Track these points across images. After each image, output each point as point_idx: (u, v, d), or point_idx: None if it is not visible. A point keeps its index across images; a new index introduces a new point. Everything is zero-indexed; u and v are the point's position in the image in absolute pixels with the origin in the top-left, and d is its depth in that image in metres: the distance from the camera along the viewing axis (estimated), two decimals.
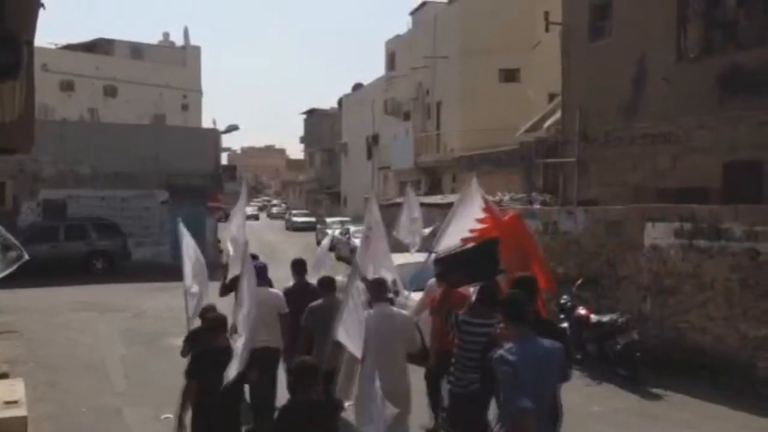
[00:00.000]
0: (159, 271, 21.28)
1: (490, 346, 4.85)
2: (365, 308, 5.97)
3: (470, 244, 6.98)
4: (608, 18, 16.84)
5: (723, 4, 14.10)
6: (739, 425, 8.34)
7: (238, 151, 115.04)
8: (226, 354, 5.65)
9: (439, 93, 32.96)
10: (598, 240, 11.99)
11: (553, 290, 7.70)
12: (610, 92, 16.37)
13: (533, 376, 4.22)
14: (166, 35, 62.22)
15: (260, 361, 6.44)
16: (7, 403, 8.06)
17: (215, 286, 8.53)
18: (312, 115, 67.79)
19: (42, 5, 7.04)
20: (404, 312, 7.08)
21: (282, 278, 9.65)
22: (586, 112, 17.21)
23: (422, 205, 13.57)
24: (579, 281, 11.76)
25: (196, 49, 60.14)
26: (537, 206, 16.34)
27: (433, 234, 8.91)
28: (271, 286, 8.22)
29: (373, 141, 44.40)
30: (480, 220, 7.08)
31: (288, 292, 8.15)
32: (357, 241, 20.66)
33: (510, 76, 29.81)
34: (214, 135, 31.89)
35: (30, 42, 6.55)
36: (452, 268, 6.74)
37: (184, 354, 7.06)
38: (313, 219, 48.87)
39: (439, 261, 7.20)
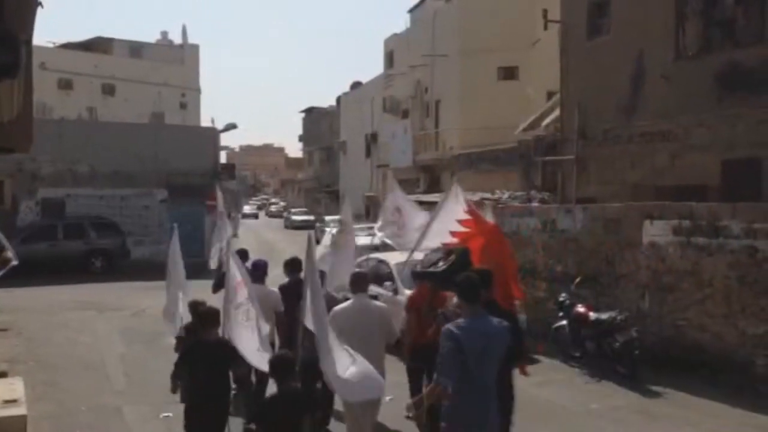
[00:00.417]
0: (158, 269, 20.99)
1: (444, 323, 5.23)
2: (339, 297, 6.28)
3: (442, 265, 7.01)
4: (607, 16, 16.86)
5: (721, 2, 14.11)
6: (738, 422, 8.35)
7: (237, 150, 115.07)
8: (218, 347, 5.81)
9: (437, 91, 32.96)
10: (597, 238, 12.00)
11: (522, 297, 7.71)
12: (608, 90, 16.38)
13: (479, 349, 4.73)
14: (164, 34, 62.31)
15: None
16: (7, 402, 8.06)
17: (205, 285, 8.57)
18: (311, 113, 67.80)
19: (40, 4, 7.03)
20: (382, 304, 7.21)
21: (281, 276, 9.64)
22: (584, 110, 17.23)
23: (421, 203, 13.55)
24: (578, 279, 11.77)
25: (195, 48, 60.13)
26: (536, 204, 16.34)
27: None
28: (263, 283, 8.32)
29: (372, 139, 44.40)
30: (462, 222, 7.13)
31: (283, 290, 8.22)
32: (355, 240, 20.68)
33: (509, 74, 29.81)
34: (212, 133, 31.91)
35: (28, 41, 6.54)
36: (430, 281, 6.91)
37: (177, 350, 7.15)
38: (311, 217, 48.90)
39: (416, 275, 7.33)
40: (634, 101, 15.76)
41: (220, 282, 8.23)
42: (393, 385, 7.11)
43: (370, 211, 37.41)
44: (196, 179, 26.92)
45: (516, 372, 6.52)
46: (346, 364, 5.26)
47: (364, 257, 13.34)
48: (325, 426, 7.55)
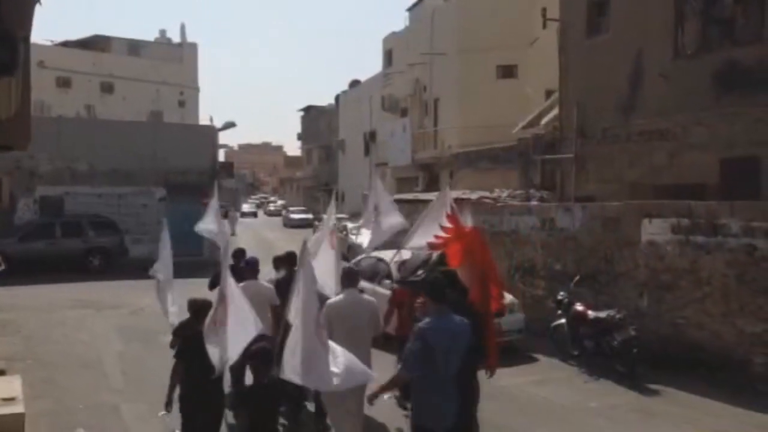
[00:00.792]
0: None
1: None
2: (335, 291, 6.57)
3: (421, 273, 7.35)
4: (606, 14, 16.85)
5: (720, 1, 14.10)
6: (736, 421, 8.36)
7: (236, 148, 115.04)
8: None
9: (436, 89, 32.93)
10: (596, 236, 12.00)
11: (502, 308, 7.95)
12: (607, 89, 16.38)
13: (445, 345, 5.10)
14: (162, 32, 62.21)
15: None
16: (5, 400, 8.05)
17: (202, 283, 8.62)
18: (309, 111, 67.74)
19: (38, 2, 7.02)
20: (371, 299, 7.41)
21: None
22: (583, 108, 17.23)
23: (420, 201, 13.54)
24: (576, 278, 11.79)
25: (193, 46, 60.09)
26: (534, 203, 16.34)
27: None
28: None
29: (371, 138, 44.37)
30: (443, 228, 7.30)
31: (278, 284, 8.43)
32: (354, 238, 20.71)
33: (507, 72, 29.77)
34: (211, 132, 31.84)
35: (26, 39, 6.52)
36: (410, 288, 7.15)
37: (173, 345, 7.20)
38: (310, 216, 48.86)
39: (399, 283, 7.64)
40: (633, 100, 15.76)
41: (216, 280, 8.37)
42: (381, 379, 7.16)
43: None
44: (194, 177, 26.88)
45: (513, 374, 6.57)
46: (333, 357, 5.43)
47: (362, 255, 13.36)
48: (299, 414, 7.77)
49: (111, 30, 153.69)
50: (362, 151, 46.11)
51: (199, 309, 6.35)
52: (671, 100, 14.67)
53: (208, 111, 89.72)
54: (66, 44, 54.09)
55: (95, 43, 54.76)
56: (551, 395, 9.55)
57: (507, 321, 11.70)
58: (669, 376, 9.98)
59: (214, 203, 11.95)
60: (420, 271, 7.34)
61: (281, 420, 7.29)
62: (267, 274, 9.35)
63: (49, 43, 50.79)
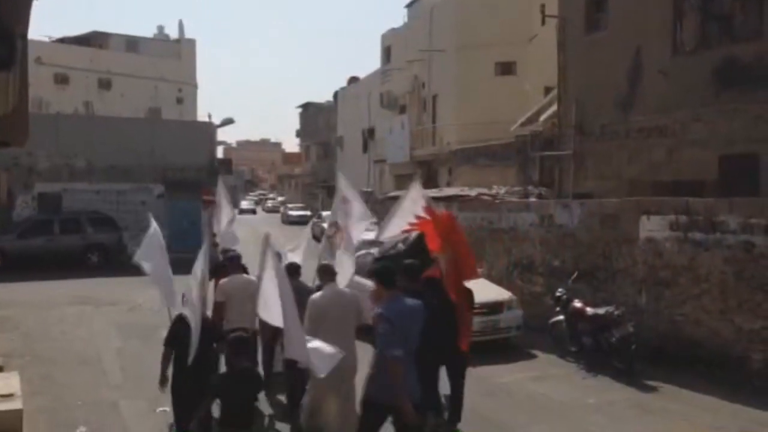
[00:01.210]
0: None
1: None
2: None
3: (401, 245, 7.89)
4: (604, 11, 16.84)
5: None
6: (734, 417, 8.37)
7: (234, 145, 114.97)
8: (203, 323, 6.33)
9: (435, 86, 32.91)
10: (594, 233, 12.01)
11: (476, 276, 8.40)
12: (606, 85, 16.38)
13: (404, 326, 5.43)
14: (160, 28, 62.06)
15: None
16: (3, 396, 8.04)
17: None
18: (307, 108, 67.68)
19: None
20: (354, 291, 7.57)
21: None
22: (582, 105, 17.23)
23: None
24: (575, 274, 11.79)
25: (191, 43, 59.96)
26: (533, 199, 16.35)
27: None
28: (246, 272, 9.02)
29: (369, 134, 44.35)
30: (419, 217, 7.74)
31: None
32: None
33: (506, 69, 29.76)
34: (209, 128, 31.81)
35: (24, 35, 6.50)
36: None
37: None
38: (308, 212, 48.82)
39: (377, 261, 7.81)
40: (632, 96, 15.76)
41: (215, 269, 8.69)
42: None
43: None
44: (192, 174, 26.86)
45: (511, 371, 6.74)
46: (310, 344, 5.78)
47: (363, 252, 13.35)
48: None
49: (109, 26, 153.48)
50: (361, 148, 46.09)
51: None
52: (670, 97, 14.67)
53: (207, 108, 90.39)
54: (64, 40, 53.96)
55: (93, 40, 54.63)
56: (549, 391, 9.55)
57: (505, 317, 11.73)
58: (667, 372, 9.99)
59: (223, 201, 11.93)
60: (400, 245, 7.70)
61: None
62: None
63: (46, 40, 50.66)
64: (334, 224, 9.00)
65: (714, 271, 9.92)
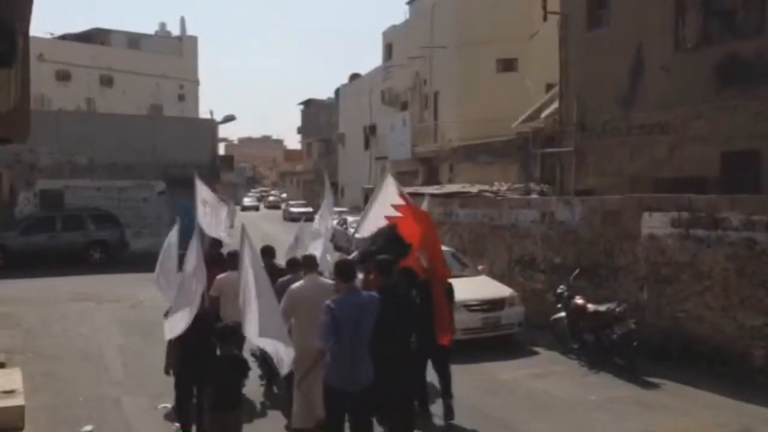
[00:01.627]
0: (156, 261, 21.21)
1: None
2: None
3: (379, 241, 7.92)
4: (606, 7, 16.81)
5: None
6: (736, 414, 8.36)
7: (235, 142, 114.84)
8: (200, 316, 6.66)
9: (436, 83, 32.89)
10: (596, 230, 12.00)
11: (447, 275, 8.48)
12: (607, 82, 16.35)
13: (353, 318, 5.81)
14: (162, 25, 62.02)
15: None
16: (5, 392, 8.06)
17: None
18: (309, 105, 67.72)
19: None
20: (331, 281, 7.73)
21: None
22: (583, 102, 17.20)
23: (420, 195, 13.59)
24: (576, 271, 11.77)
25: (193, 39, 59.92)
26: (534, 196, 16.34)
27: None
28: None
29: (371, 131, 44.33)
30: (396, 207, 7.94)
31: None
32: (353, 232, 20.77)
33: (508, 66, 29.74)
34: (211, 125, 31.84)
35: (26, 32, 6.51)
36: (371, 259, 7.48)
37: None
38: (310, 209, 48.81)
39: (360, 259, 7.85)
40: (633, 93, 15.73)
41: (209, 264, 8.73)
42: None
43: None
44: (194, 171, 26.86)
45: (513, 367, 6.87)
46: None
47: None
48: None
49: (111, 23, 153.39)
50: (362, 145, 46.08)
51: None
52: (671, 94, 14.65)
53: (208, 105, 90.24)
54: (65, 37, 53.92)
55: (95, 37, 54.59)
56: (551, 388, 9.55)
57: (507, 314, 11.73)
58: (669, 369, 9.99)
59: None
60: (374, 243, 7.85)
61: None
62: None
63: (48, 37, 50.66)
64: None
65: (716, 267, 9.91)
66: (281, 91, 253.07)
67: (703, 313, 10.09)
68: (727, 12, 14.00)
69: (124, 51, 54.55)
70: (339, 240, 26.89)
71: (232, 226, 42.68)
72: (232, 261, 8.85)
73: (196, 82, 59.70)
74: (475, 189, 17.95)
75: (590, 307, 10.83)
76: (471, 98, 28.97)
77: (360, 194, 43.29)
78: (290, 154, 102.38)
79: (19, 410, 7.72)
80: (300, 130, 73.28)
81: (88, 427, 7.84)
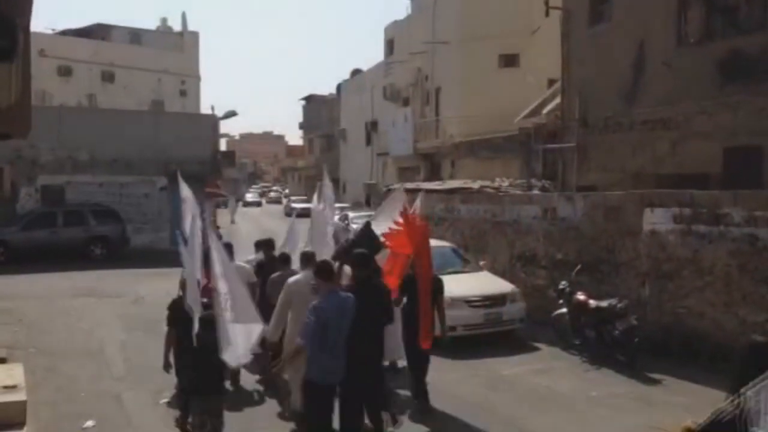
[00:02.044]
0: (158, 256, 21.28)
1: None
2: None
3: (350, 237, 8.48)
4: (608, 2, 16.75)
5: None
6: None
7: (237, 138, 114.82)
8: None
9: (438, 79, 32.83)
10: (597, 226, 11.98)
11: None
12: (609, 77, 16.31)
13: (336, 316, 6.19)
14: (164, 21, 61.99)
15: None
16: (6, 387, 8.07)
17: None
18: (311, 101, 67.63)
19: None
20: None
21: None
22: (585, 97, 17.16)
23: (421, 190, 13.61)
24: (578, 267, 11.75)
25: (194, 35, 59.89)
26: (536, 192, 16.31)
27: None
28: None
29: (372, 127, 44.29)
30: (397, 223, 8.30)
31: (260, 265, 9.80)
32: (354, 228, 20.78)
33: (509, 61, 29.67)
34: (212, 121, 31.79)
35: (26, 27, 6.49)
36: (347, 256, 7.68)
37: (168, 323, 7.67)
38: (311, 205, 48.81)
39: (335, 258, 8.11)
40: (636, 89, 15.69)
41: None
42: None
43: (370, 199, 37.36)
44: (195, 167, 26.81)
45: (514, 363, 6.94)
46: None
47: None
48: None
49: (112, 19, 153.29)
50: (364, 141, 46.04)
51: (182, 283, 7.35)
52: (674, 89, 14.61)
53: (210, 100, 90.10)
54: (67, 33, 53.91)
55: (96, 32, 54.54)
56: (552, 384, 9.55)
57: (508, 310, 11.74)
58: (670, 365, 9.98)
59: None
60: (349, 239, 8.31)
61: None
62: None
63: (49, 32, 50.67)
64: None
65: (718, 263, 9.89)
66: (283, 86, 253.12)
67: (705, 309, 10.08)
68: (730, 7, 13.96)
69: (125, 46, 54.52)
70: (340, 236, 26.99)
71: (233, 222, 42.68)
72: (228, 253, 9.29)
73: (198, 78, 59.67)
74: (476, 185, 17.92)
75: (592, 303, 10.82)
76: (473, 94, 28.90)
77: (361, 190, 43.27)
78: (292, 150, 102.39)
79: (21, 405, 7.73)
80: (301, 126, 73.22)
81: (90, 423, 7.85)
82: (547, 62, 22.16)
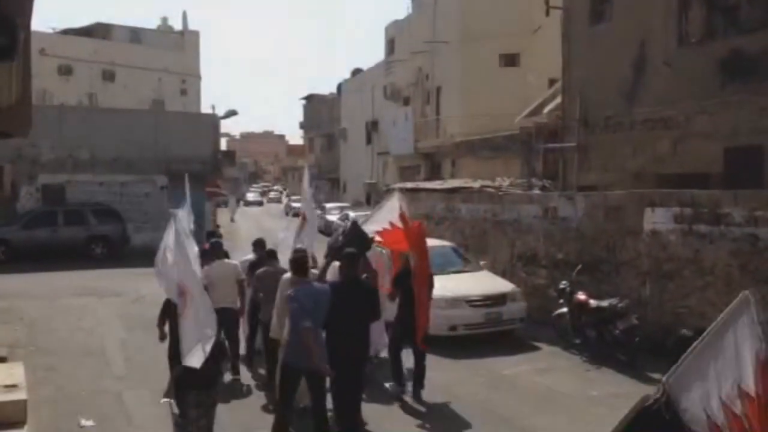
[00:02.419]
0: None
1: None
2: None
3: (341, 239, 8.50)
4: (609, 2, 16.74)
5: None
6: None
7: (237, 137, 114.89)
8: None
9: (438, 78, 32.82)
10: (598, 225, 11.97)
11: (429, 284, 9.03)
12: (610, 77, 16.30)
13: (310, 306, 6.47)
14: (164, 20, 61.96)
15: (221, 319, 7.23)
16: (7, 386, 8.07)
17: None
18: (311, 100, 67.60)
19: None
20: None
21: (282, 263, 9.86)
22: (586, 97, 17.15)
23: (422, 190, 13.59)
24: (578, 267, 11.75)
25: (195, 34, 59.88)
26: (537, 191, 16.30)
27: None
28: (227, 257, 9.99)
29: (373, 127, 44.27)
30: (393, 224, 8.60)
31: (252, 264, 9.92)
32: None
33: (510, 61, 29.66)
34: (213, 120, 31.77)
35: (27, 26, 6.49)
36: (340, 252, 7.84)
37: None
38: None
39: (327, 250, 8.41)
40: (637, 88, 15.68)
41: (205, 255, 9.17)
42: None
43: (370, 198, 37.37)
44: (196, 166, 26.81)
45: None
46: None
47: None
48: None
49: (113, 18, 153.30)
50: (364, 140, 46.02)
51: None
52: (675, 89, 14.59)
53: (210, 100, 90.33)
54: (67, 32, 53.88)
55: (97, 31, 54.53)
56: (553, 384, 9.55)
57: (509, 309, 11.74)
58: (670, 365, 9.92)
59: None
60: (340, 238, 8.41)
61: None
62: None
63: (50, 31, 50.63)
64: (302, 215, 10.32)
65: (719, 263, 9.89)
66: (283, 86, 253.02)
67: (706, 309, 10.06)
68: (730, 7, 13.95)
69: (126, 45, 54.50)
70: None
71: (233, 221, 42.74)
72: (217, 251, 9.68)
73: (198, 77, 59.68)
74: (477, 184, 17.91)
75: (592, 302, 10.81)
76: (473, 93, 28.88)
77: (362, 189, 43.27)
78: (292, 149, 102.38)
79: (22, 404, 7.73)
80: (302, 125, 73.21)
81: (90, 422, 7.85)
82: (548, 62, 22.14)
